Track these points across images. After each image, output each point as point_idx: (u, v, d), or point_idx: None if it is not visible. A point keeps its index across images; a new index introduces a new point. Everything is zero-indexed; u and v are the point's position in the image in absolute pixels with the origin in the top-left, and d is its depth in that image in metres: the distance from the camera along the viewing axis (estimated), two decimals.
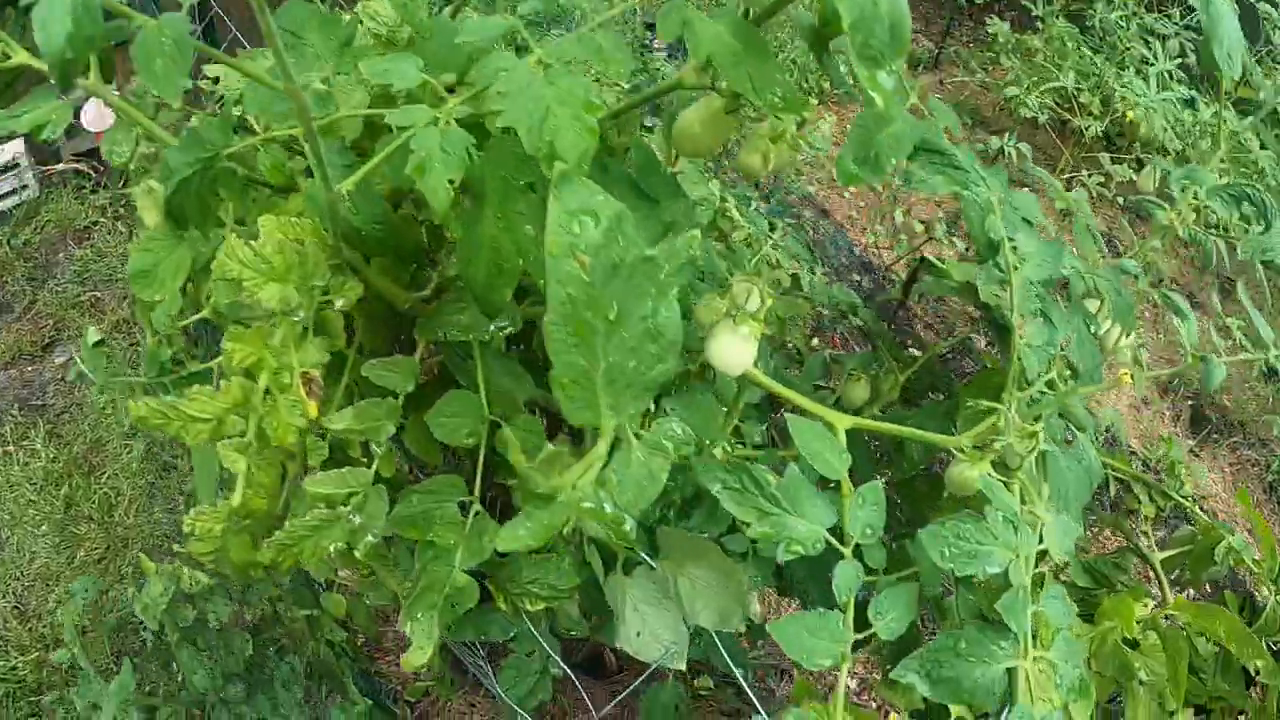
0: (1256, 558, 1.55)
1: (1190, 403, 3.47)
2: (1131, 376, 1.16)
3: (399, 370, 1.24)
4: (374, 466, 1.24)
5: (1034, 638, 1.03)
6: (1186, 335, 1.15)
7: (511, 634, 1.49)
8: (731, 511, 0.98)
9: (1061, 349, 1.44)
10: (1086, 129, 3.25)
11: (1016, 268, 1.16)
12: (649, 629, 1.21)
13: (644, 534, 1.26)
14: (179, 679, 1.64)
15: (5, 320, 2.72)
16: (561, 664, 1.49)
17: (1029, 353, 1.17)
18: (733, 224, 1.73)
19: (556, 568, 1.29)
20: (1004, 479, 1.08)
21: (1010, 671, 1.01)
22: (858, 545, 1.01)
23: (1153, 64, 3.16)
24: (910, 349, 1.48)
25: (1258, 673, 1.49)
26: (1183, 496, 1.53)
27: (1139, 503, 1.53)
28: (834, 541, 1.00)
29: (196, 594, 1.57)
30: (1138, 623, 1.54)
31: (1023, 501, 1.08)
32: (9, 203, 2.84)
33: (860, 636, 1.01)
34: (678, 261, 1.06)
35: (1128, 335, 1.53)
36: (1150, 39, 3.28)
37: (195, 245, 1.26)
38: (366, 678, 2.00)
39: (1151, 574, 1.56)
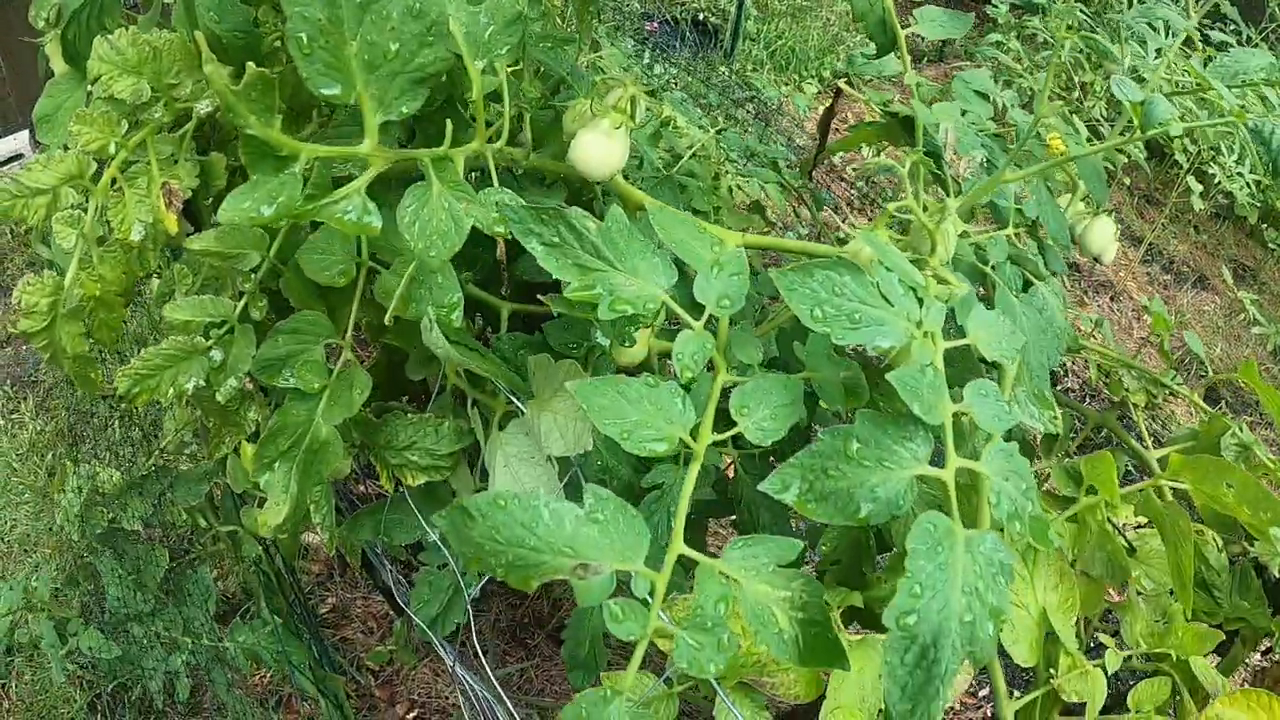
0: (1271, 459, 1.22)
1: (1203, 379, 3.08)
2: (1063, 140, 0.88)
3: None
4: (242, 303, 1.05)
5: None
6: (1122, 94, 0.86)
7: (416, 539, 1.22)
8: (549, 269, 0.72)
9: (1018, 203, 1.16)
10: (1091, 108, 2.96)
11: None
12: (519, 485, 0.94)
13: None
14: (94, 593, 1.43)
15: (4, 301, 2.60)
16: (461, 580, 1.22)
17: (926, 112, 0.89)
18: (679, 132, 1.49)
19: (435, 430, 1.05)
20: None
21: (920, 483, 0.72)
22: (711, 319, 0.74)
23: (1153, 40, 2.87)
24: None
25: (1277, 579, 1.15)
26: (1178, 384, 1.21)
27: (1125, 390, 1.21)
28: (676, 307, 0.73)
29: (111, 494, 1.35)
30: (1131, 525, 1.23)
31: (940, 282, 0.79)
32: None
33: (723, 436, 0.73)
34: (503, 17, 0.85)
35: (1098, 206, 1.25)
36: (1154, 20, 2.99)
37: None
38: (318, 639, 1.74)
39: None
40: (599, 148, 0.90)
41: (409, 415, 1.08)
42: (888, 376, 0.69)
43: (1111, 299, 3.51)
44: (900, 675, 0.65)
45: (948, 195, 1.02)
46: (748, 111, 2.93)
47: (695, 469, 0.71)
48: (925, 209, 0.85)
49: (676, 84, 2.67)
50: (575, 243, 0.72)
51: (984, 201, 1.09)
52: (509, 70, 0.91)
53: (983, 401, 0.75)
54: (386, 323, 0.91)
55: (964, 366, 1.07)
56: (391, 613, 1.94)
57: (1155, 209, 4.12)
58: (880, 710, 0.90)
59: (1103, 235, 1.31)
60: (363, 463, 1.37)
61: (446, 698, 1.87)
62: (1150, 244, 3.93)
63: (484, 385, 1.05)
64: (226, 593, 1.83)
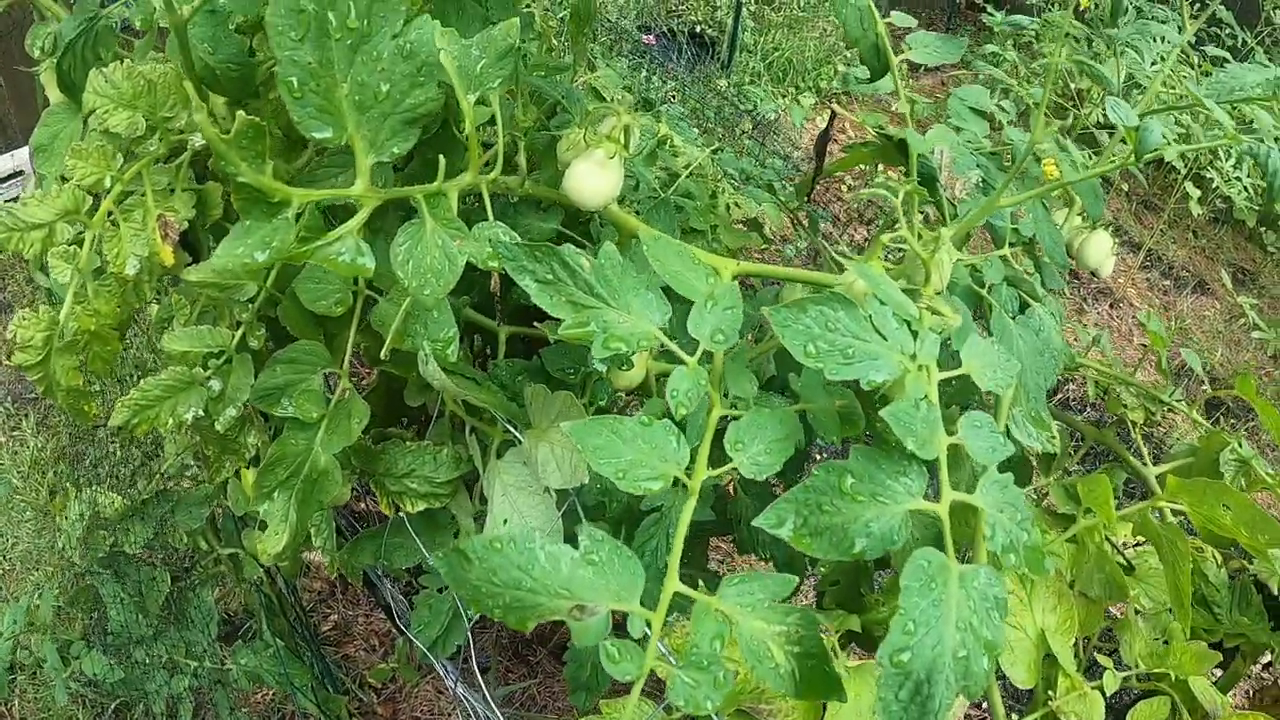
0: (1270, 471, 1.22)
1: (1204, 387, 3.09)
2: (1057, 165, 0.89)
3: None
4: (239, 333, 1.06)
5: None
6: (1118, 118, 0.86)
7: (416, 563, 1.23)
8: (543, 306, 0.73)
9: (1014, 222, 1.17)
10: (1087, 116, 2.95)
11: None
12: (517, 514, 0.95)
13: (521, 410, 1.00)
14: (96, 615, 1.44)
15: (5, 319, 2.61)
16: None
17: (919, 139, 0.90)
18: (674, 152, 1.49)
19: (433, 458, 1.06)
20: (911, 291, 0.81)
21: (913, 517, 0.72)
22: (706, 354, 0.74)
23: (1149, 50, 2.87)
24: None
25: (1278, 594, 1.15)
26: (1176, 400, 1.22)
27: (1123, 407, 1.22)
28: (669, 343, 0.73)
29: (112, 519, 1.36)
30: (1130, 543, 1.23)
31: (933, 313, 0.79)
32: None
33: (718, 472, 0.74)
34: (495, 51, 0.85)
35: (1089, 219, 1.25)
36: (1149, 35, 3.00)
37: None
38: (320, 658, 1.74)
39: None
40: (593, 179, 0.91)
41: (407, 443, 1.09)
42: (882, 413, 0.69)
43: (1111, 306, 3.52)
44: (895, 711, 0.65)
45: (943, 216, 1.03)
46: (746, 126, 2.92)
47: (691, 504, 0.71)
48: (920, 236, 0.86)
49: (674, 98, 2.68)
50: (569, 280, 0.73)
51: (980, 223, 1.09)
52: (504, 95, 0.92)
53: (976, 433, 0.75)
54: (383, 356, 0.91)
55: (962, 386, 1.08)
56: (394, 630, 1.95)
57: (1153, 214, 4.14)
58: None
59: (1099, 249, 1.31)
60: (363, 481, 1.38)
61: (449, 715, 1.88)
62: (1149, 250, 3.94)
63: (482, 413, 1.05)
64: (228, 613, 1.84)
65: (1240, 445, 1.23)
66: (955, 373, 0.79)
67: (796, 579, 0.70)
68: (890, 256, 1.02)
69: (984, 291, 1.03)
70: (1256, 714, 0.96)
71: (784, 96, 3.33)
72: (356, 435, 1.04)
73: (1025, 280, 1.10)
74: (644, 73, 2.42)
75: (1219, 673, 1.30)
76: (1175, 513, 1.16)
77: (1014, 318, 1.04)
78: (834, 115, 1.32)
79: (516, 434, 0.98)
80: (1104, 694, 1.04)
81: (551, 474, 0.88)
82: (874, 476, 0.71)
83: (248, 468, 1.26)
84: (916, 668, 0.65)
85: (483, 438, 1.05)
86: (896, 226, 0.87)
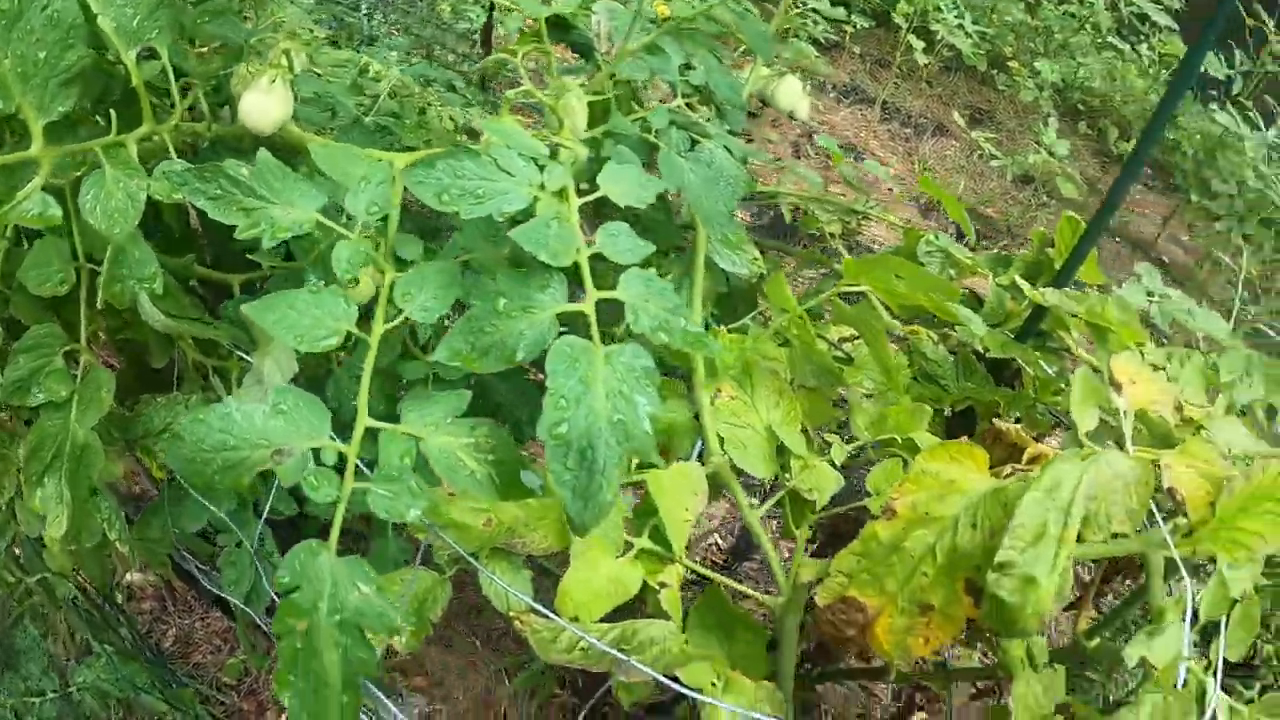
0: (968, 255, 1.44)
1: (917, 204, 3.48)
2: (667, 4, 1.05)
3: None
4: None
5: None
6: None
7: (203, 523, 1.34)
8: (219, 219, 0.86)
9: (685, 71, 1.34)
10: None
11: None
12: None
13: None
14: None
15: None
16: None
17: (532, 5, 1.05)
18: (379, 76, 1.61)
19: (185, 406, 1.17)
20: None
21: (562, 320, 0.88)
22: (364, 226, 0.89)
23: None
24: None
25: (984, 351, 1.36)
26: (869, 207, 1.42)
27: (819, 222, 1.41)
28: (329, 223, 0.87)
29: None
30: (847, 337, 1.43)
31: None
32: None
33: (392, 324, 0.88)
34: (148, 4, 0.96)
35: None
36: None
37: None
38: (164, 664, 1.83)
39: None
40: (259, 105, 1.03)
41: (158, 399, 1.19)
42: (510, 234, 0.84)
43: (855, 158, 3.93)
44: (568, 479, 0.81)
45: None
46: (466, 48, 3.01)
47: (372, 354, 0.85)
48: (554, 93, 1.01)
49: (396, 31, 2.77)
50: (235, 190, 0.86)
51: (644, 78, 1.25)
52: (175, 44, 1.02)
53: (614, 240, 0.92)
54: (99, 305, 1.02)
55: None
56: (233, 623, 2.03)
57: (886, 71, 4.60)
58: (625, 541, 1.07)
59: (790, 92, 1.50)
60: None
61: None
62: (885, 102, 4.39)
63: (218, 352, 1.17)
64: (63, 641, 1.89)
65: (936, 237, 1.45)
66: (595, 195, 0.95)
67: (469, 394, 0.85)
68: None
69: (652, 137, 1.20)
70: (958, 443, 1.14)
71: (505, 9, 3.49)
72: (109, 404, 1.13)
73: (696, 123, 1.27)
74: (364, 9, 2.51)
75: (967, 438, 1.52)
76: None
77: (685, 155, 1.21)
78: (493, 6, 1.46)
79: (250, 359, 1.10)
80: (835, 465, 1.23)
81: (275, 378, 1.00)
82: (522, 293, 0.86)
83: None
84: (575, 437, 0.80)
85: (225, 374, 1.16)
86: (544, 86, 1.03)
